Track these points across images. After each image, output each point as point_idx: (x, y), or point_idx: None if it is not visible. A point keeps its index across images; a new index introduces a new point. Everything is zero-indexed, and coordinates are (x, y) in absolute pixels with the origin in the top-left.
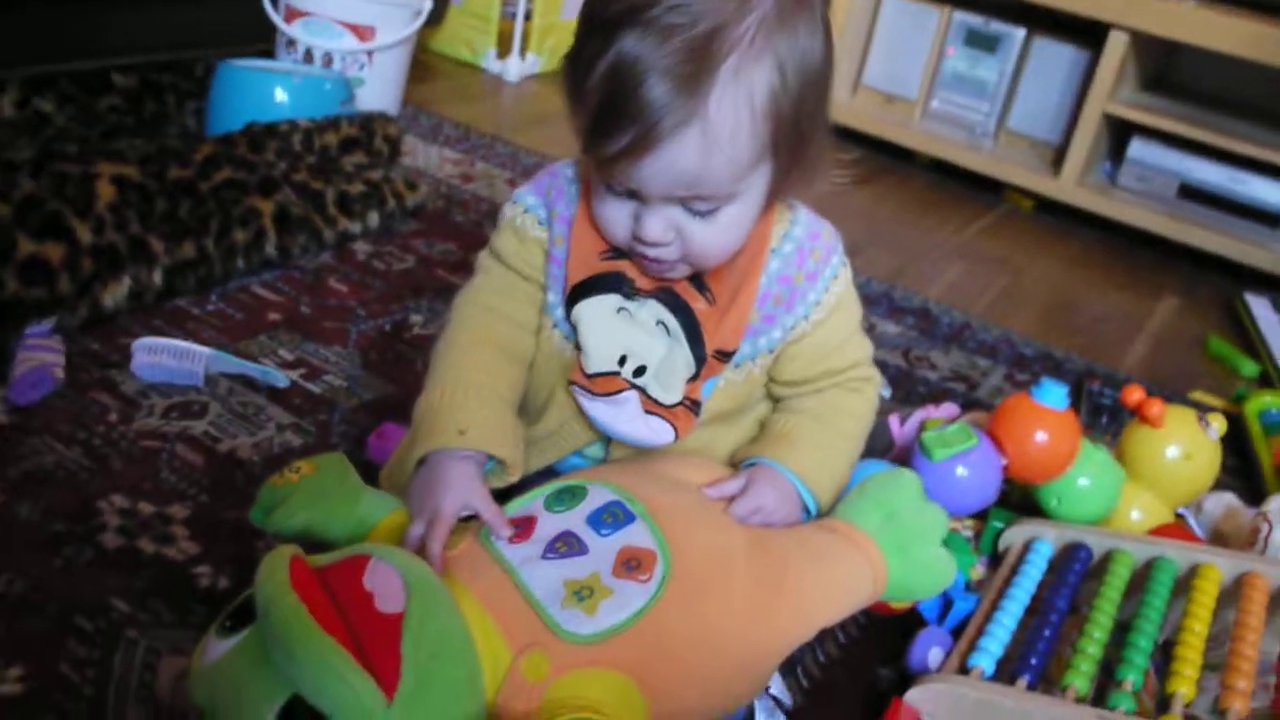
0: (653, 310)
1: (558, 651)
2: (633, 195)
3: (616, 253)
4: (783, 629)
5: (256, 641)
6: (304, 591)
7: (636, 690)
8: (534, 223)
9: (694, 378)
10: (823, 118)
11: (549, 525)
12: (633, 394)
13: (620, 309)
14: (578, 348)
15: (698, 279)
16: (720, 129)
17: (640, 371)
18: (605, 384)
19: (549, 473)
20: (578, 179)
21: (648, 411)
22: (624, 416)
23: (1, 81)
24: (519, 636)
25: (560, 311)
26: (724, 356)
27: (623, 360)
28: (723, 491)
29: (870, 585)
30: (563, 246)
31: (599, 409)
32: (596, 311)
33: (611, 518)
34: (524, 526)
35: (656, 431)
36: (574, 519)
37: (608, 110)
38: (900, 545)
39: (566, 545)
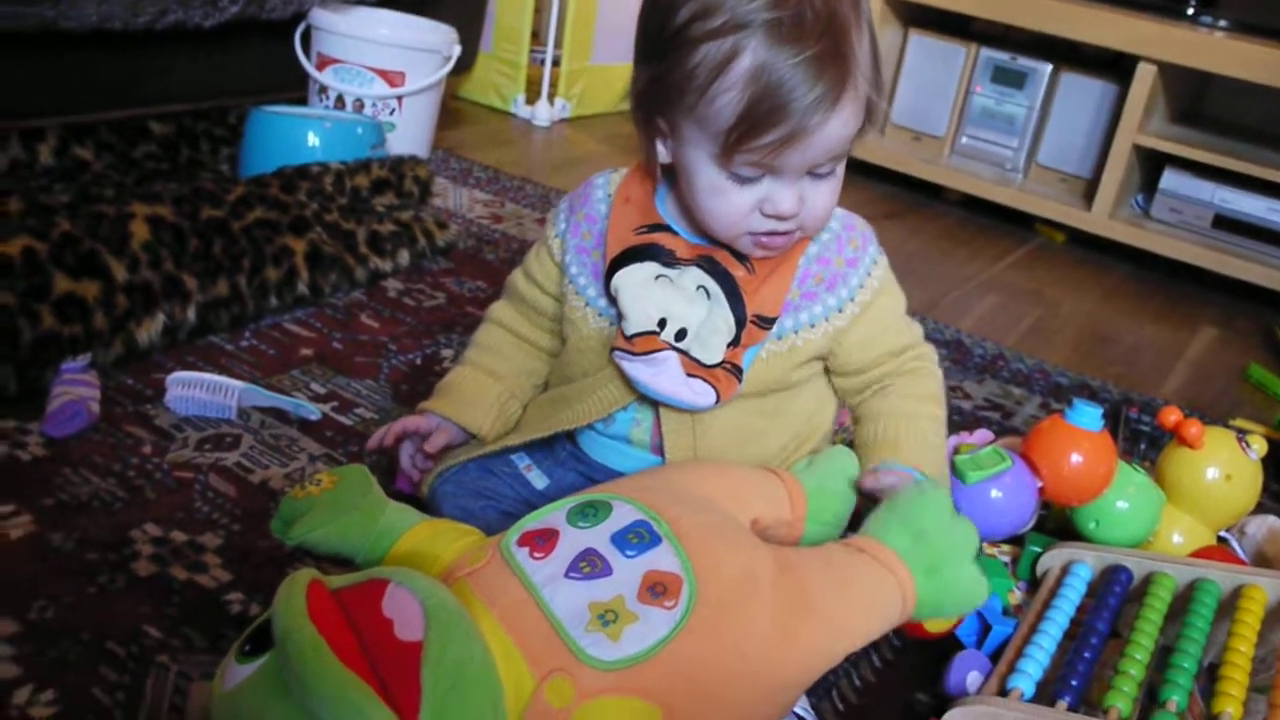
0: (694, 276)
1: (582, 677)
2: (761, 178)
3: (651, 228)
4: (810, 653)
5: (275, 669)
6: (322, 620)
7: (660, 718)
8: (552, 225)
9: (734, 343)
10: (881, 66)
11: (572, 541)
12: (672, 355)
13: (659, 275)
14: (621, 317)
15: (736, 252)
16: (862, 91)
17: (681, 335)
18: (644, 344)
19: (579, 480)
20: (608, 183)
21: (689, 374)
22: (664, 377)
23: (41, 129)
24: (542, 661)
25: (592, 291)
26: (764, 323)
27: (662, 324)
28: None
29: (899, 606)
30: (590, 239)
31: (639, 369)
32: (634, 279)
33: (637, 538)
34: (546, 540)
35: (698, 393)
36: (598, 536)
37: (762, 108)
38: (930, 565)
39: (590, 565)
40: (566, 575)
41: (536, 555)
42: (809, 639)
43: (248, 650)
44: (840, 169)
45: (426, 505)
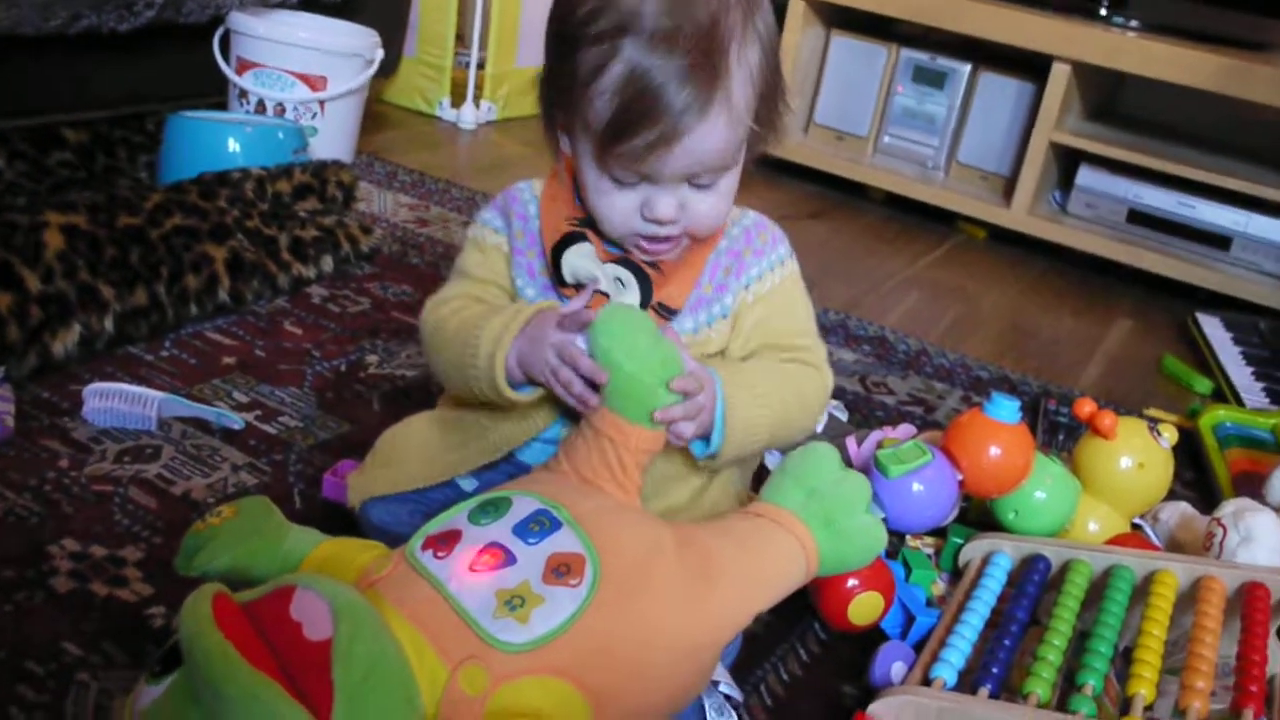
0: (612, 270)
1: (494, 663)
2: (639, 183)
3: (582, 221)
4: (717, 618)
5: (185, 684)
6: (228, 627)
7: (577, 694)
8: (491, 232)
9: None
10: (783, 82)
11: (474, 538)
12: None
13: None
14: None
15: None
16: (737, 107)
17: None
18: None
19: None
20: (530, 187)
21: None
22: None
23: None
24: (454, 651)
25: (531, 292)
26: (665, 312)
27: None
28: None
29: (802, 563)
30: (524, 239)
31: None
32: (578, 253)
33: (538, 526)
34: (449, 540)
35: None
36: (500, 530)
37: (631, 113)
38: (826, 519)
39: (494, 557)
40: (471, 569)
41: (440, 555)
42: (716, 602)
43: (158, 671)
44: (725, 182)
45: (353, 514)
